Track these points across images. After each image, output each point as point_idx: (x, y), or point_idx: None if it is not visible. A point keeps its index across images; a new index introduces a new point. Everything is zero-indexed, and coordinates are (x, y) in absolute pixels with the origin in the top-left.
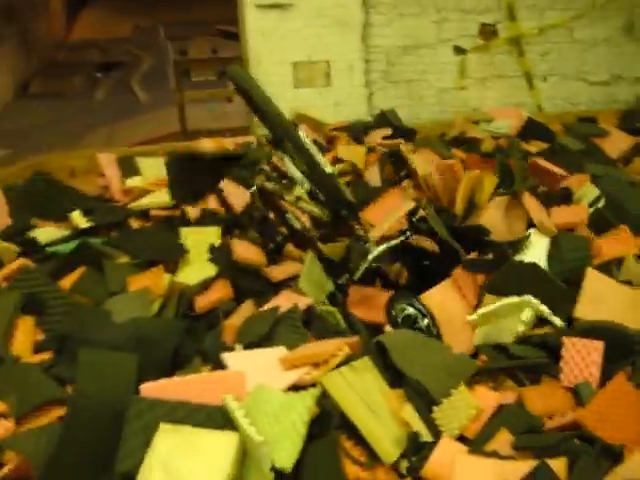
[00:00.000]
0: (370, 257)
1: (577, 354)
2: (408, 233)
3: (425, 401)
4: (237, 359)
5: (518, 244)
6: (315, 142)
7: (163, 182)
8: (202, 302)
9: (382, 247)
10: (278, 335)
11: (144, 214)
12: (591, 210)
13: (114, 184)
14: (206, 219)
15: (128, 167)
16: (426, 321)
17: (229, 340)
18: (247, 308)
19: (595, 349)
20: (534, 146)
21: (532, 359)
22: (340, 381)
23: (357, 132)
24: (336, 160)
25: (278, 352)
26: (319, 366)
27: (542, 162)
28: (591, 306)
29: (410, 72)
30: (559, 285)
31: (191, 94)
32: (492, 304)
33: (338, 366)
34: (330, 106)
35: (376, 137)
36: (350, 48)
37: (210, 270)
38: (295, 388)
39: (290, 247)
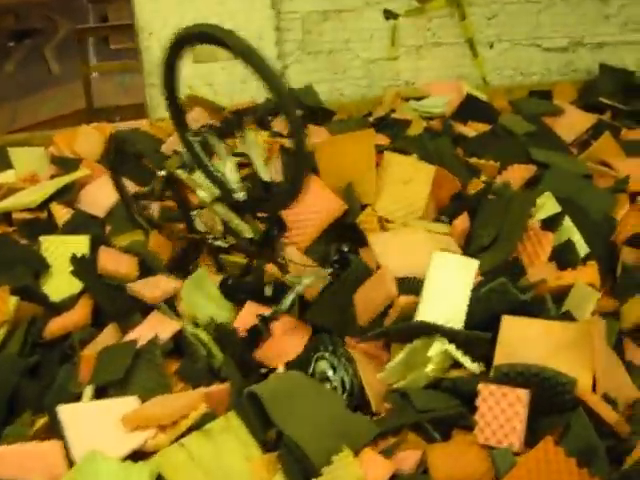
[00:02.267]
0: (300, 288)
1: (496, 405)
2: (337, 266)
3: (302, 469)
4: (75, 414)
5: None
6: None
7: (36, 178)
8: (54, 327)
9: (308, 280)
10: (135, 376)
11: (7, 217)
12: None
13: None
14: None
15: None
16: (345, 377)
17: (85, 376)
18: (109, 335)
19: (518, 399)
20: (472, 128)
21: (441, 411)
22: (179, 456)
23: (262, 115)
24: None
25: (127, 404)
26: (167, 429)
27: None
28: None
29: (331, 41)
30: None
31: (98, 66)
32: (397, 356)
33: (193, 428)
34: (236, 83)
35: (284, 121)
36: (258, 15)
37: (76, 287)
38: (139, 455)
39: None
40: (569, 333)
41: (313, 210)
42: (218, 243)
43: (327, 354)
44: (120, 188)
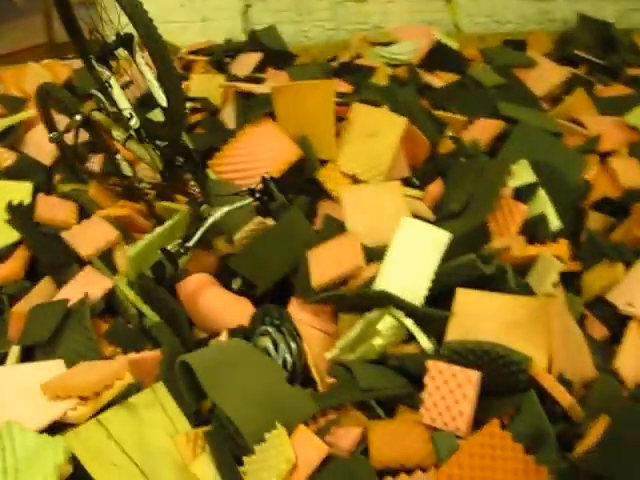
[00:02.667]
0: (210, 221)
1: (444, 384)
2: (258, 195)
3: (234, 446)
4: None
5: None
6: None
7: None
8: None
9: (224, 209)
10: (64, 338)
11: None
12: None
13: None
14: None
15: None
16: (287, 356)
17: (14, 335)
18: (43, 290)
19: (467, 380)
20: (439, 78)
21: (387, 390)
22: (95, 434)
23: (219, 57)
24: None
25: (50, 370)
26: (88, 400)
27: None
28: (463, 328)
29: None
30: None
31: None
32: (350, 332)
33: (117, 399)
34: (196, 22)
35: (243, 64)
36: None
37: (13, 237)
38: (61, 426)
39: None
40: (525, 308)
41: (266, 155)
42: (142, 185)
43: (271, 329)
44: (56, 141)
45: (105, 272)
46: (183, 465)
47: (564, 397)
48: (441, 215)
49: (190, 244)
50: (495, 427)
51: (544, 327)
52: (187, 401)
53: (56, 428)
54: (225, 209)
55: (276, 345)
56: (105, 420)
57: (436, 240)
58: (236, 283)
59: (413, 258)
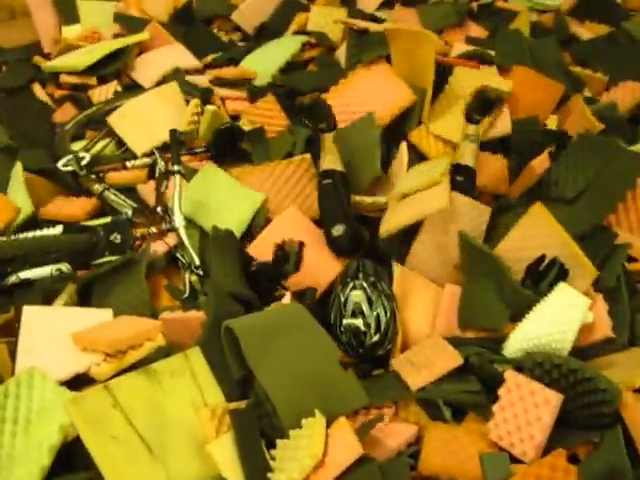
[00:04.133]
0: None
1: (520, 401)
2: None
3: (269, 425)
4: (38, 317)
5: None
6: None
7: (97, 36)
8: None
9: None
10: (119, 286)
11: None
12: None
13: (44, 32)
14: None
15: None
16: (381, 314)
17: None
18: None
19: (546, 401)
20: (589, 29)
21: (451, 392)
22: (98, 403)
23: None
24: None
25: (97, 317)
26: (115, 357)
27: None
28: None
29: None
30: None
31: None
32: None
33: (144, 361)
34: None
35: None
36: None
37: None
38: (84, 381)
39: None
40: None
41: (379, 98)
42: None
43: (366, 284)
44: None
45: None
46: (203, 443)
47: None
48: (549, 197)
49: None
50: (560, 458)
51: None
52: (232, 369)
53: (83, 381)
54: None
55: (370, 301)
56: (115, 386)
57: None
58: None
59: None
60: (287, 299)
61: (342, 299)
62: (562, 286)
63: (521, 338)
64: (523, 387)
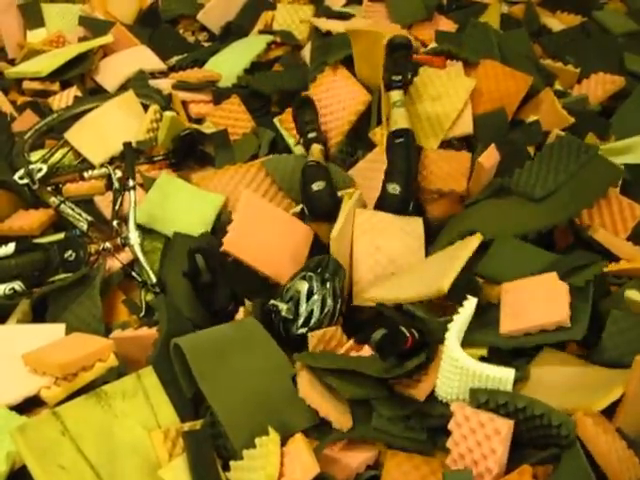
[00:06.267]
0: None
1: (471, 434)
2: None
3: (221, 446)
4: None
5: None
6: None
7: (62, 40)
8: None
9: None
10: (75, 302)
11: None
12: None
13: (8, 38)
14: None
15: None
16: (315, 311)
17: None
18: None
19: (496, 432)
20: (560, 20)
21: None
22: (46, 431)
23: None
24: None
25: (49, 334)
26: (65, 379)
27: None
28: None
29: None
30: None
31: None
32: None
33: (96, 383)
34: None
35: None
36: None
37: None
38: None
39: None
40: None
41: (339, 106)
42: None
43: (315, 277)
44: None
45: None
46: (156, 467)
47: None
48: (515, 191)
49: None
50: (526, 475)
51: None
52: (184, 388)
53: (35, 403)
54: None
55: (310, 294)
56: (63, 412)
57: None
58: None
59: None
60: (241, 314)
61: (287, 286)
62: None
63: None
64: (472, 419)
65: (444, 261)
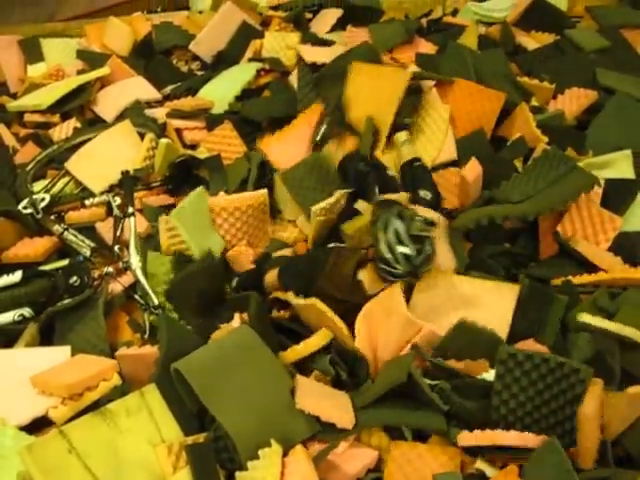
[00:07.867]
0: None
1: None
2: None
3: (227, 459)
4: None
5: None
6: None
7: (61, 73)
8: None
9: None
10: (80, 324)
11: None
12: None
13: (10, 73)
14: None
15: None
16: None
17: None
18: None
19: None
20: (535, 39)
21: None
22: (52, 450)
23: (297, 13)
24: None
25: (54, 356)
26: (72, 399)
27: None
28: None
29: None
30: None
31: None
32: None
33: (102, 402)
34: None
35: (323, 21)
36: None
37: None
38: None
39: None
40: None
41: None
42: None
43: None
44: None
45: None
46: None
47: None
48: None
49: None
50: (512, 475)
51: None
52: (187, 404)
53: (44, 423)
54: None
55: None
56: (69, 431)
57: None
58: None
59: None
60: (236, 321)
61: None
62: None
63: None
64: None
65: None
